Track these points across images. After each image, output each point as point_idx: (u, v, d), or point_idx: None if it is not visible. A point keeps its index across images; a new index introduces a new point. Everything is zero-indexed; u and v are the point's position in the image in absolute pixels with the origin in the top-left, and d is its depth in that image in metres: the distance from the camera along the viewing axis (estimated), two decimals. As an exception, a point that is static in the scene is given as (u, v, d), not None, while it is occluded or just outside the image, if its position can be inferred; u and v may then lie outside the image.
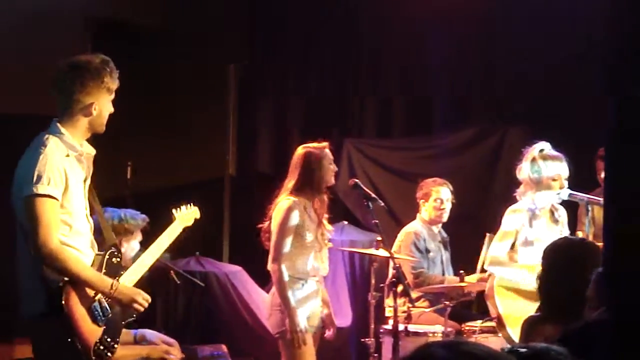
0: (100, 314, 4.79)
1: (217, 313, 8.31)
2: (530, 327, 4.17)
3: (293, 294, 6.43)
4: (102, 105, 4.84)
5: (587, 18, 8.62)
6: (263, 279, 8.61)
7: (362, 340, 6.86)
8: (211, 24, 9.79)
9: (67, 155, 4.78)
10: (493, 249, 6.95)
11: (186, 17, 9.64)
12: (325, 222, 6.61)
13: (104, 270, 4.86)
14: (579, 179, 7.09)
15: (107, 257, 4.92)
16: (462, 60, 9.73)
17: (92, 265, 4.84)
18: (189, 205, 5.85)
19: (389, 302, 7.21)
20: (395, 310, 6.53)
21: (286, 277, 6.41)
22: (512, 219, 6.93)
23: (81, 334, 4.67)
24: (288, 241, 6.46)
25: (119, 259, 4.99)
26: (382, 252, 6.67)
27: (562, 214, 7.09)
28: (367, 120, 10.18)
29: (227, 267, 8.66)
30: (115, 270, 4.95)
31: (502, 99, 9.66)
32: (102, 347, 4.74)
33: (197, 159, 9.85)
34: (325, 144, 6.65)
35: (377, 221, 6.49)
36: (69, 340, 4.64)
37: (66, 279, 4.66)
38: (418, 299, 7.62)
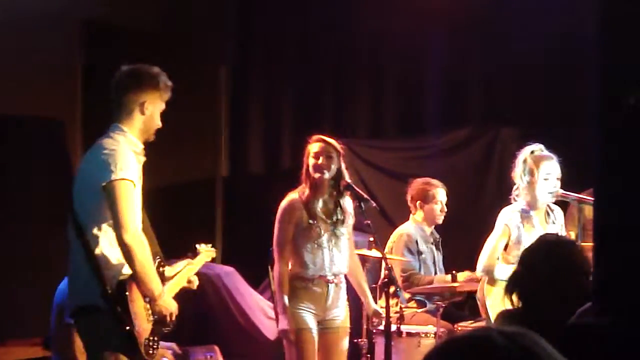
0: (151, 313, 4.94)
1: (210, 314, 8.31)
2: (505, 321, 4.13)
3: (296, 294, 6.43)
4: (154, 109, 5.10)
5: (583, 18, 8.64)
6: (256, 280, 8.63)
7: (355, 340, 6.85)
8: (202, 26, 9.80)
9: (131, 150, 4.98)
10: (487, 252, 6.96)
11: (178, 19, 9.65)
12: (338, 221, 6.59)
13: None
14: (571, 179, 7.11)
15: (155, 265, 5.01)
16: (456, 61, 9.73)
17: None
18: (208, 244, 6.03)
19: (381, 302, 7.22)
20: (388, 311, 6.53)
21: (284, 277, 6.42)
22: (506, 219, 6.95)
23: (137, 326, 4.82)
24: (287, 239, 6.47)
25: (163, 269, 5.12)
26: (374, 253, 6.68)
27: (558, 215, 7.12)
28: (360, 121, 10.19)
29: (219, 268, 8.65)
30: (161, 280, 5.05)
31: (494, 100, 9.68)
32: (150, 344, 4.90)
33: (190, 160, 9.86)
34: (314, 137, 6.64)
35: (369, 222, 6.49)
36: (127, 328, 4.78)
37: (126, 273, 4.80)
38: (410, 299, 7.63)
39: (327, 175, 6.50)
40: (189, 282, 5.51)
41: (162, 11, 9.57)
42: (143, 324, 4.85)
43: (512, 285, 4.06)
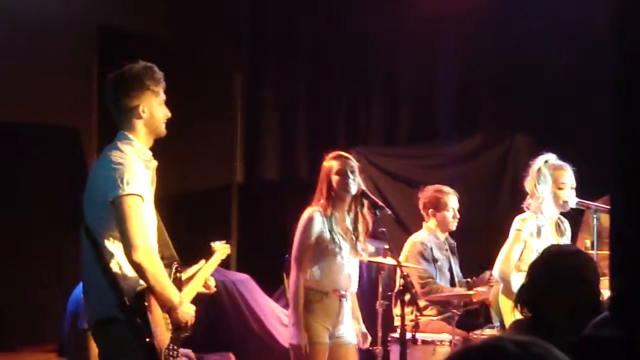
0: (170, 321, 4.88)
1: (224, 321, 8.30)
2: (517, 331, 4.14)
3: (312, 308, 6.43)
4: (151, 107, 4.94)
5: (597, 25, 8.63)
6: (271, 287, 8.63)
7: (370, 348, 6.85)
8: (217, 33, 9.81)
9: (139, 159, 4.89)
10: (502, 257, 6.95)
11: (193, 26, 9.66)
12: (360, 234, 6.60)
13: None
14: (586, 187, 7.10)
15: (173, 270, 4.99)
16: (469, 68, 9.73)
17: None
18: (222, 241, 5.95)
19: (396, 310, 7.21)
20: (403, 319, 6.52)
21: (301, 290, 6.42)
22: (520, 226, 6.94)
23: (157, 336, 4.75)
24: (307, 252, 6.46)
25: (180, 275, 5.07)
26: (389, 261, 6.67)
27: (567, 227, 7.13)
28: (374, 128, 10.19)
29: (234, 275, 8.66)
30: (178, 285, 5.01)
31: (508, 107, 9.67)
32: (170, 353, 4.84)
33: (205, 167, 9.87)
34: (335, 154, 6.65)
35: (384, 229, 6.48)
36: (147, 340, 4.71)
37: (141, 283, 4.74)
38: (425, 307, 7.62)
39: (353, 191, 6.52)
40: (207, 287, 5.44)
41: (177, 18, 9.60)
42: (163, 334, 4.80)
43: (521, 297, 4.07)
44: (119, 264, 4.76)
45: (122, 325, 4.74)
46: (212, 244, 5.82)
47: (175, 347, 4.90)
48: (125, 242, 4.68)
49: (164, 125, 5.02)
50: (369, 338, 6.73)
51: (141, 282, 4.76)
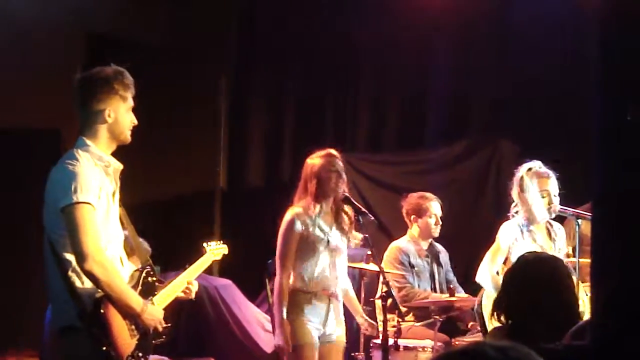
0: (135, 328, 4.78)
1: (206, 326, 8.29)
2: (497, 338, 4.15)
3: (301, 309, 6.43)
4: (117, 112, 4.84)
5: (584, 34, 8.68)
6: (253, 293, 8.62)
7: (353, 354, 6.85)
8: (203, 38, 9.82)
9: (96, 165, 4.79)
10: (486, 264, 6.98)
11: (180, 32, 9.67)
12: (345, 231, 6.59)
13: (139, 288, 4.87)
14: (569, 195, 7.13)
15: (143, 274, 4.92)
16: (457, 75, 9.75)
17: (129, 281, 4.85)
18: (219, 241, 5.92)
19: (378, 316, 7.22)
20: (385, 325, 6.52)
21: (285, 290, 6.41)
22: (505, 235, 6.97)
23: (116, 344, 4.65)
24: (290, 253, 6.45)
25: (154, 279, 4.99)
26: (372, 267, 6.68)
27: (559, 232, 7.15)
28: (359, 134, 10.19)
29: (217, 281, 8.65)
30: (150, 289, 4.95)
31: (495, 114, 9.69)
32: None
33: (188, 173, 9.86)
34: (326, 152, 6.62)
35: (367, 235, 6.48)
36: (104, 349, 4.62)
37: (100, 291, 4.65)
38: (407, 313, 7.63)
39: (343, 189, 6.51)
40: (187, 292, 5.29)
41: (164, 24, 9.61)
42: (125, 341, 4.71)
43: (497, 306, 4.08)
44: (77, 272, 4.68)
45: (82, 333, 4.66)
46: (205, 244, 5.74)
47: (143, 354, 4.80)
48: (75, 251, 4.61)
49: (129, 133, 4.92)
50: (375, 325, 6.70)
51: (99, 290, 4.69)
